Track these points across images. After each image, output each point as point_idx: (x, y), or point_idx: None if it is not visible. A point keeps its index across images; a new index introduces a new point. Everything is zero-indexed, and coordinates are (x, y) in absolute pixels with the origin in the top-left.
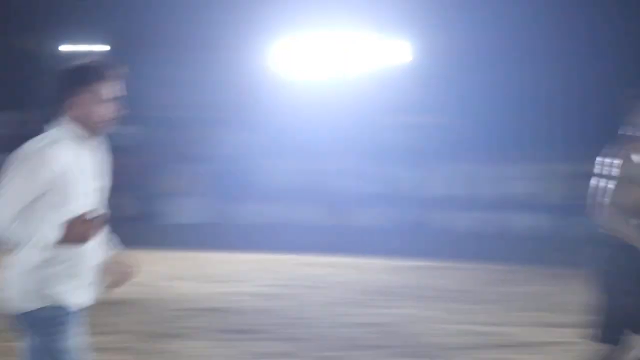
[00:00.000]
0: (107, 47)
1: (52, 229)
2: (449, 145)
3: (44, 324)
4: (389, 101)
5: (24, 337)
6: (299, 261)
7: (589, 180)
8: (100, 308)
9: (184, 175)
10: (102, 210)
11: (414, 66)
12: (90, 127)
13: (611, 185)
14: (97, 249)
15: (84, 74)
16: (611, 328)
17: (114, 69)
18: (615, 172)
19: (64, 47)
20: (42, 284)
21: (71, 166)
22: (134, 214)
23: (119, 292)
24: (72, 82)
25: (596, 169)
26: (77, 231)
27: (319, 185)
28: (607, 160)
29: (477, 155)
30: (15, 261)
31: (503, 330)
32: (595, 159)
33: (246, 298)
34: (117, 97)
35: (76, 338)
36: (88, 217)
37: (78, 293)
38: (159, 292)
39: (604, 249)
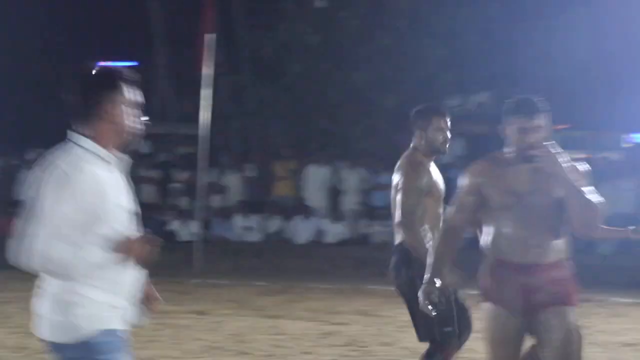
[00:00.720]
0: None
1: (97, 251)
2: None
3: (96, 352)
4: None
5: None
6: None
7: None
8: None
9: None
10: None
11: None
12: (118, 138)
13: (399, 195)
14: (138, 271)
15: (110, 79)
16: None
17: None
18: (402, 183)
19: None
20: (87, 310)
21: (105, 184)
22: None
23: None
24: (98, 88)
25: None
26: (132, 251)
27: None
28: (396, 172)
29: None
30: (60, 289)
31: None
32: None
33: None
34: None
35: None
36: (139, 237)
37: (122, 316)
38: None
39: (394, 257)
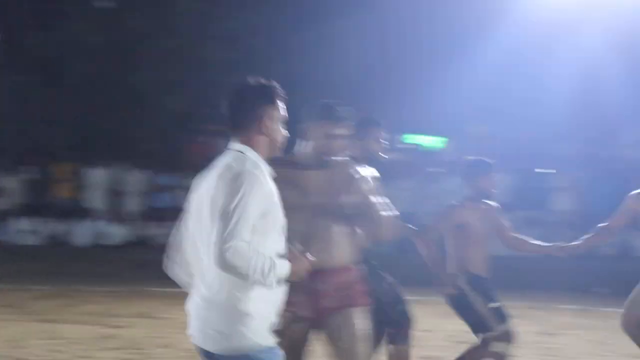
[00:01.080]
0: None
1: (280, 261)
2: None
3: None
4: None
5: None
6: None
7: None
8: None
9: None
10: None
11: None
12: (271, 150)
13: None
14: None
15: (269, 93)
16: None
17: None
18: None
19: None
20: (251, 322)
21: (272, 192)
22: None
23: None
24: (259, 101)
25: None
26: (299, 266)
27: None
28: None
29: None
30: (234, 298)
31: None
32: None
33: None
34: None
35: None
36: (301, 252)
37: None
38: None
39: None
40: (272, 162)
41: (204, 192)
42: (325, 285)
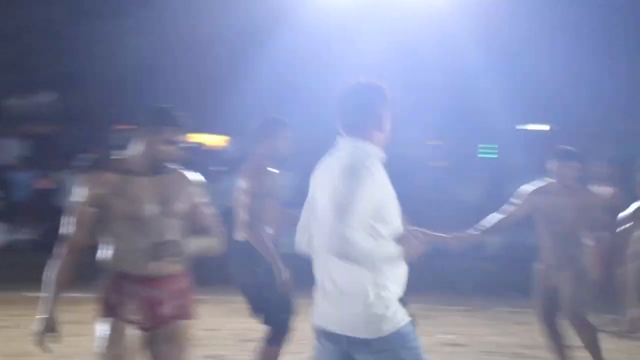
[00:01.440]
0: None
1: (391, 245)
2: None
3: (405, 342)
4: None
5: None
6: None
7: None
8: None
9: None
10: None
11: None
12: (383, 144)
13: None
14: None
15: (385, 93)
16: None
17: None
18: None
19: None
20: (390, 304)
21: (386, 183)
22: None
23: None
24: (379, 102)
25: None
26: (411, 247)
27: None
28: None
29: None
30: (370, 285)
31: None
32: None
33: None
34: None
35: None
36: (414, 234)
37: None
38: None
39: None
40: (103, 169)
41: (324, 186)
42: (160, 293)
